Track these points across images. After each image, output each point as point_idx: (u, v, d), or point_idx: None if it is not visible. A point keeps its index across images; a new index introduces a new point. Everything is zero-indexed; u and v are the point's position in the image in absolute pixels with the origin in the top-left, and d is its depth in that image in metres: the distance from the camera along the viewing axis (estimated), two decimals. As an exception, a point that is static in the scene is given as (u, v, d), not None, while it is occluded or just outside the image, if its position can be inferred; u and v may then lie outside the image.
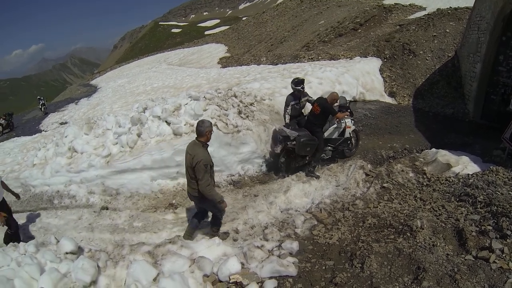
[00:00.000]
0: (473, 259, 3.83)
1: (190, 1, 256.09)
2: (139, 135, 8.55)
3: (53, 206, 8.59)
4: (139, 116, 8.81)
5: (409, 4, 27.15)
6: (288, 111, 8.52)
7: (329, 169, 8.30)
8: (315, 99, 8.25)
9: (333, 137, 8.36)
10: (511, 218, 4.23)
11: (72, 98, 35.27)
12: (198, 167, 5.06)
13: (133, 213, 7.52)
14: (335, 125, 8.29)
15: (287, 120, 8.55)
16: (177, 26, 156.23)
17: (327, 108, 7.60)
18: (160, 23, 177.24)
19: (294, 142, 7.61)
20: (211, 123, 5.23)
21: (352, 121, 8.61)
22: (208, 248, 5.02)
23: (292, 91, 8.40)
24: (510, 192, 5.13)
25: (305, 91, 8.54)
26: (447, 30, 17.49)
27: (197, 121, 5.41)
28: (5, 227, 6.48)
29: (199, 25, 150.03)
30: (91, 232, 7.20)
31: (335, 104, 8.04)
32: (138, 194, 8.16)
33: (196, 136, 5.29)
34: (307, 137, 7.67)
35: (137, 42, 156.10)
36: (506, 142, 8.30)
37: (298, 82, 8.17)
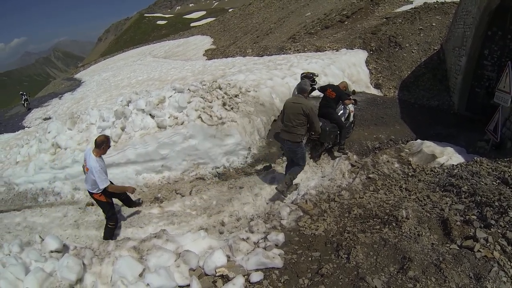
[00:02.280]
0: (458, 248, 3.85)
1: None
2: (123, 129, 8.44)
3: (38, 204, 8.45)
4: (123, 110, 8.70)
5: (397, -3, 27.35)
6: None
7: (315, 160, 8.30)
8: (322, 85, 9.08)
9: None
10: (494, 208, 4.26)
11: (56, 93, 34.74)
12: (312, 113, 6.30)
13: (119, 208, 7.44)
14: (342, 111, 8.82)
15: None
16: (162, 18, 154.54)
17: (342, 93, 8.34)
18: (145, 15, 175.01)
19: (329, 130, 7.97)
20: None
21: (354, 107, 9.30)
22: (194, 241, 4.97)
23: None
24: (494, 183, 5.16)
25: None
26: (433, 24, 17.67)
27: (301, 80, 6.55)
28: None
29: (185, 16, 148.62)
30: (76, 229, 7.11)
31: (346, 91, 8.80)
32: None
33: (298, 93, 6.64)
34: (330, 125, 8.03)
35: (122, 35, 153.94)
36: (490, 133, 8.45)
37: (306, 77, 8.68)
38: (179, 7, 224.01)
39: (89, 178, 6.07)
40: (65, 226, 7.24)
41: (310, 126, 6.52)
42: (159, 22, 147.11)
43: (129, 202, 7.19)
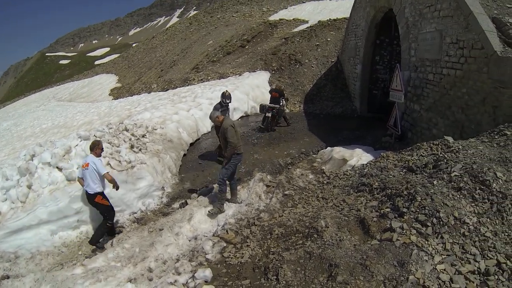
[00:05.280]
0: (379, 243, 3.96)
1: (78, 28, 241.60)
2: (29, 187, 7.74)
3: None
4: (27, 165, 8.00)
5: (293, 19, 29.19)
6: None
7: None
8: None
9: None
10: (404, 197, 4.42)
11: None
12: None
13: (38, 275, 6.66)
14: (282, 103, 12.71)
15: None
16: (65, 57, 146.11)
17: (281, 93, 12.78)
18: (47, 54, 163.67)
19: (275, 110, 12.27)
20: None
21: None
22: (123, 294, 4.72)
23: (220, 101, 9.60)
24: (401, 173, 5.41)
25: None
26: (329, 39, 19.01)
27: None
28: None
29: (88, 54, 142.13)
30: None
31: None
32: (40, 252, 7.25)
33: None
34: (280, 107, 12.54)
35: (22, 77, 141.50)
36: (391, 128, 9.23)
37: (226, 96, 9.50)
38: (82, 44, 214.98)
39: (90, 176, 6.75)
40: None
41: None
42: (62, 62, 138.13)
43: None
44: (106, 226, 7.13)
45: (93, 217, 7.82)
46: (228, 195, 7.40)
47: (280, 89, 13.12)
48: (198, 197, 8.06)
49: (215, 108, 9.31)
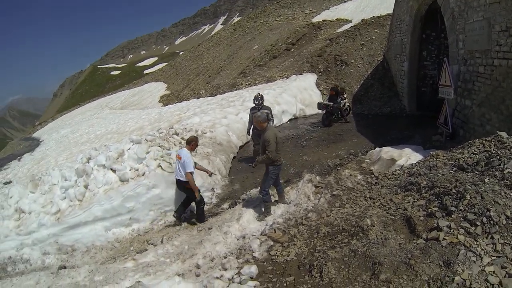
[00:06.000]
0: (425, 242, 3.88)
1: (127, 41, 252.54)
2: (86, 187, 8.28)
3: (8, 274, 7.91)
4: (84, 167, 8.56)
5: (336, 19, 28.81)
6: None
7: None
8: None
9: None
10: (453, 195, 4.30)
11: (14, 154, 33.30)
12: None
13: (92, 267, 7.10)
14: (339, 100, 13.54)
15: (250, 129, 9.90)
16: (115, 68, 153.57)
17: (338, 91, 13.49)
18: (98, 66, 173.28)
19: (330, 107, 13.13)
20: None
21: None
22: None
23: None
24: (451, 171, 5.26)
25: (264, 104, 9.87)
26: (373, 37, 18.60)
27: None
28: None
29: (137, 65, 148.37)
30: (51, 295, 6.78)
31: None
32: (95, 247, 7.79)
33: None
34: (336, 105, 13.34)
35: (77, 89, 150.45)
36: (441, 126, 8.87)
37: (255, 98, 9.65)
38: (131, 56, 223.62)
39: (180, 167, 7.44)
40: (39, 294, 6.89)
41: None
42: (113, 73, 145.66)
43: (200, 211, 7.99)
44: (200, 208, 7.82)
45: (145, 217, 8.20)
46: (276, 198, 7.58)
47: (338, 88, 13.88)
48: (247, 198, 8.21)
49: (252, 109, 9.72)
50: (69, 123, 39.76)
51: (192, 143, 7.62)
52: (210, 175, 8.22)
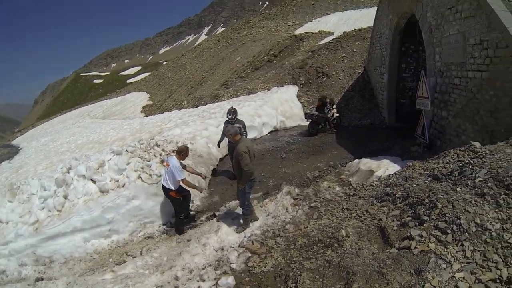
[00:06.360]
0: (397, 251, 3.93)
1: (111, 49, 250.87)
2: (65, 197, 8.20)
3: None
4: (64, 177, 8.49)
5: (318, 31, 29.23)
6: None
7: (258, 202, 8.44)
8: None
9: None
10: (425, 205, 4.37)
11: (-8, 162, 32.51)
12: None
13: (71, 279, 7.01)
14: (327, 110, 13.75)
15: (221, 142, 10.07)
16: (99, 77, 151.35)
17: (324, 102, 13.70)
18: (81, 74, 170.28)
19: (315, 117, 13.57)
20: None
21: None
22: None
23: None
24: (426, 181, 5.33)
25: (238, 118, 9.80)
26: (355, 50, 18.94)
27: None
28: None
29: (121, 73, 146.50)
30: (27, 308, 6.66)
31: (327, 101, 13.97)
32: (73, 258, 7.68)
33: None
34: (322, 115, 13.63)
35: (58, 96, 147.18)
36: (419, 137, 9.04)
37: (228, 112, 9.65)
38: (115, 64, 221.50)
39: (168, 175, 7.46)
40: (15, 307, 6.75)
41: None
42: (95, 81, 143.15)
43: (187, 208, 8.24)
44: (179, 219, 7.86)
45: (124, 228, 8.15)
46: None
47: (325, 99, 14.15)
48: (226, 210, 8.26)
49: (226, 123, 9.70)
50: (50, 131, 38.92)
51: (182, 153, 7.69)
52: (200, 192, 8.22)
